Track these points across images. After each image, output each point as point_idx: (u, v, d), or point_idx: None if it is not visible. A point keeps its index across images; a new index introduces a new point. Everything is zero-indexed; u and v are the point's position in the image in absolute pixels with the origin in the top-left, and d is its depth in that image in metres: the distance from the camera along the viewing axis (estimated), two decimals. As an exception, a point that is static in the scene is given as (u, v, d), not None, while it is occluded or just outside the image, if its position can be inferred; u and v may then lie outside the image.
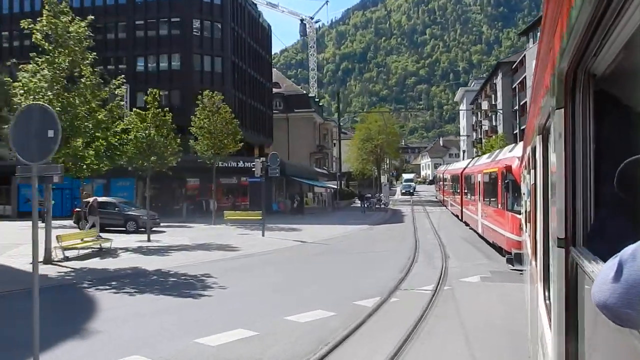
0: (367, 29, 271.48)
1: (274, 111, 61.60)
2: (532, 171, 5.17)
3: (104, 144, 18.05)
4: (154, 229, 24.77)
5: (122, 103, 19.21)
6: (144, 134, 23.12)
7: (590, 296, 1.09)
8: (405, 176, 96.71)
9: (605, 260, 1.12)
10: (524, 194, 9.29)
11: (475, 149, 78.44)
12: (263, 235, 23.81)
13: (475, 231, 23.37)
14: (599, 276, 1.04)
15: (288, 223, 30.80)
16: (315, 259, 18.00)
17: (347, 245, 21.54)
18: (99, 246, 18.93)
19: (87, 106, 16.74)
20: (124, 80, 18.69)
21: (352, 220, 33.01)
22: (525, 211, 8.21)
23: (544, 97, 2.72)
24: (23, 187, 31.37)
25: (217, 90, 37.45)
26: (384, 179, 75.30)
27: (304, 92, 71.65)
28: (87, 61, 16.95)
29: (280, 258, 17.99)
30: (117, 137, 19.02)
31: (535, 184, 4.69)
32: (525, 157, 7.83)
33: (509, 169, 16.09)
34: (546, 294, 3.15)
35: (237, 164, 38.45)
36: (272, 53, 62.95)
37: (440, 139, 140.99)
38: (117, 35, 46.87)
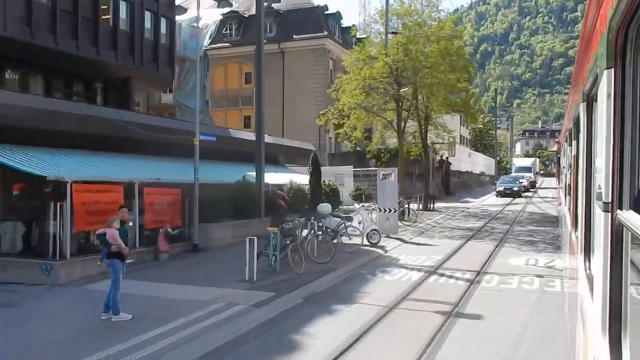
0: (509, 8, 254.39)
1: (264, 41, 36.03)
2: (574, 142, 5.13)
3: None
4: None
5: None
6: None
7: (638, 258, 1.12)
8: (518, 162, 59.40)
9: None
10: (563, 167, 8.95)
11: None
12: None
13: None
14: None
15: None
16: None
17: None
18: None
19: None
20: None
21: None
22: (565, 184, 7.99)
23: (590, 60, 2.69)
24: None
25: None
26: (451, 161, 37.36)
27: (317, 4, 35.28)
28: None
29: None
30: None
31: (577, 154, 4.60)
32: (564, 130, 7.83)
33: (559, 143, 15.90)
34: (587, 264, 3.14)
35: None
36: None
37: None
38: None
